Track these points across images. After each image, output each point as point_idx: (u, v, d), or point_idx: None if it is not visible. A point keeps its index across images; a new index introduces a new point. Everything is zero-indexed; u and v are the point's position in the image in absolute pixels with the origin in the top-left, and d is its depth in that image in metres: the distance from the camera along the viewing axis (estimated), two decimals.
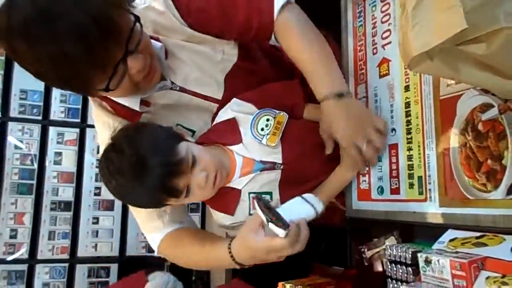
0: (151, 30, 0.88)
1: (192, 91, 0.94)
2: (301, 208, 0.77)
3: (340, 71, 0.88)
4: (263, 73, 1.00)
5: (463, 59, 0.52)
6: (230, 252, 0.82)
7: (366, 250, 0.88)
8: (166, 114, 0.95)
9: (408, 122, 0.82)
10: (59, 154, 1.93)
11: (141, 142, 0.78)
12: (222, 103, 0.96)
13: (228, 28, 0.90)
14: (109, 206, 1.97)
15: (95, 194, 1.96)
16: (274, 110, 0.90)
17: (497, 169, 0.64)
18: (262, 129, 0.88)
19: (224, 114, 0.94)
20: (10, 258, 1.84)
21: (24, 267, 1.86)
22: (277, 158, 0.89)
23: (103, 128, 0.93)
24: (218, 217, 0.93)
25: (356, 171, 0.90)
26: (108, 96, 0.89)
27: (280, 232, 0.72)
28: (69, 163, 1.93)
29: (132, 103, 0.90)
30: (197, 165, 0.81)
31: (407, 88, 0.83)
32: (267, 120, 0.89)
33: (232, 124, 0.91)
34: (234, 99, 0.94)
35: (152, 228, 0.96)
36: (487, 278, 0.54)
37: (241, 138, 0.89)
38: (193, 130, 0.99)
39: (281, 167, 0.89)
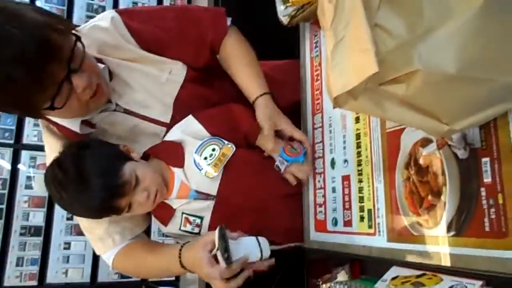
0: (95, 50, 0.88)
1: (138, 113, 0.94)
2: (252, 249, 0.81)
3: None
4: (218, 97, 0.99)
5: (388, 98, 0.51)
6: (179, 256, 0.86)
7: (321, 283, 0.86)
8: (113, 136, 0.95)
9: (359, 154, 0.81)
10: (31, 178, 1.89)
11: (84, 162, 0.79)
12: (170, 126, 0.95)
13: (184, 46, 0.93)
14: (82, 231, 1.92)
15: (67, 219, 1.91)
16: (223, 140, 0.90)
17: (437, 205, 0.63)
18: (206, 158, 0.88)
19: (175, 132, 0.94)
20: None
21: None
22: (213, 189, 0.89)
23: (50, 150, 0.94)
24: (157, 223, 0.97)
25: None
26: (52, 119, 0.90)
27: (222, 263, 0.77)
28: (41, 188, 1.90)
29: (72, 125, 0.90)
30: (140, 184, 0.84)
31: (357, 120, 0.82)
32: (213, 150, 0.88)
33: (177, 147, 0.91)
34: (190, 116, 0.94)
35: (104, 247, 0.97)
36: None
37: (183, 163, 0.90)
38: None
39: (214, 199, 0.90)
